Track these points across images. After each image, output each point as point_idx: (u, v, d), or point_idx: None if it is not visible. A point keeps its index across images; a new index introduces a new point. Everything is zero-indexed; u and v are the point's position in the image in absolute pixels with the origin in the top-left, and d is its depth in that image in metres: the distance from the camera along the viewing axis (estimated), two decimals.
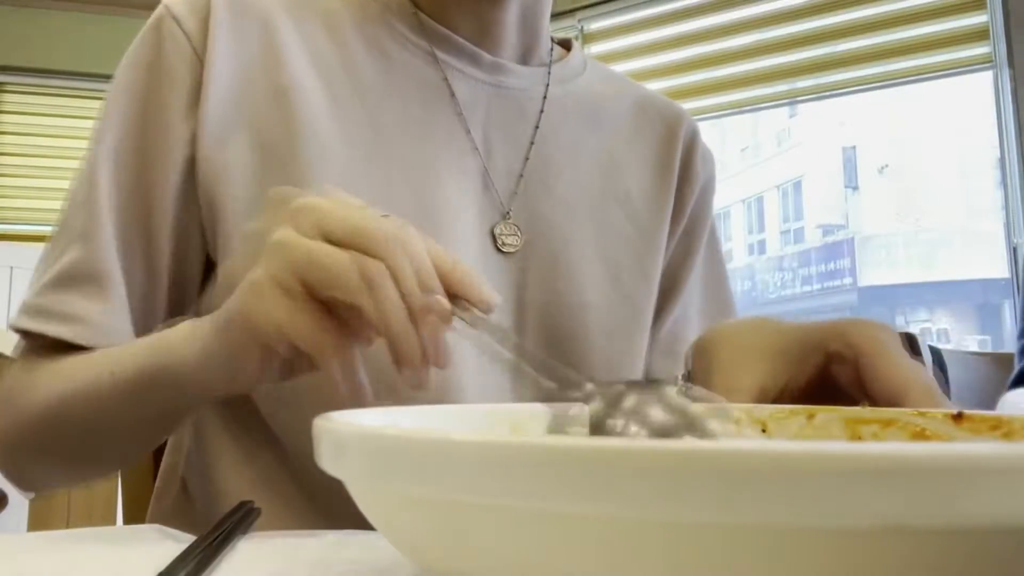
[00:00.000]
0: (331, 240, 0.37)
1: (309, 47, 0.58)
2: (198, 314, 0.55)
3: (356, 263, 0.36)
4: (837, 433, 0.37)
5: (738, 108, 2.74)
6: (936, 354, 1.32)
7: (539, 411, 0.36)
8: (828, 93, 2.62)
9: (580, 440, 0.19)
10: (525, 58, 0.66)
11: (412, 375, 0.37)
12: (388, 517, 0.24)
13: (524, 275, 0.61)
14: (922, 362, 1.22)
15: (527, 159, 0.64)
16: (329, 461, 0.24)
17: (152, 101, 0.55)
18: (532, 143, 0.64)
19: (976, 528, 0.16)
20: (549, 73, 0.68)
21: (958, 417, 0.35)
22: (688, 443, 0.17)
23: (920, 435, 0.35)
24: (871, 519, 0.16)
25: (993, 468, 0.16)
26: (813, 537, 0.17)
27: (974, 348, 2.55)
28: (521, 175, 0.63)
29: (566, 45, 0.74)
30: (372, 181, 0.57)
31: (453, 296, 0.37)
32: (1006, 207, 2.37)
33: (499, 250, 0.61)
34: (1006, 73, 2.33)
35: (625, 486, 0.17)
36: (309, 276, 0.37)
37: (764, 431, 0.39)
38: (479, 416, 0.38)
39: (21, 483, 0.57)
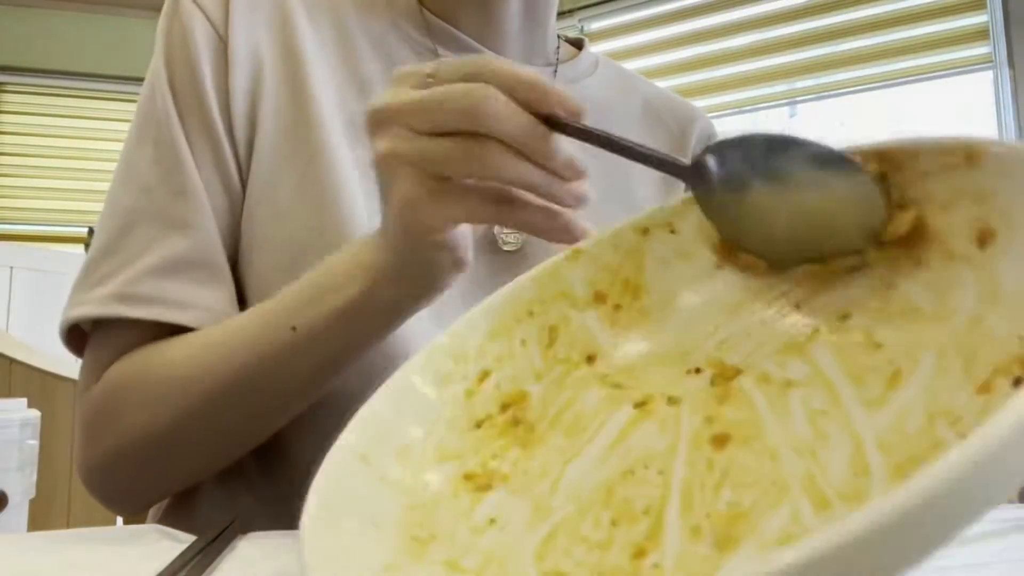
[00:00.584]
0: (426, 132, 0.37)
1: (318, 38, 0.59)
2: (237, 284, 0.55)
3: (457, 148, 0.36)
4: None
5: (738, 108, 2.74)
6: None
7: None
8: (828, 93, 2.62)
9: None
10: (530, 57, 0.66)
11: (561, 196, 0.39)
12: None
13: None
14: None
15: None
16: None
17: (189, 84, 0.55)
18: None
19: None
20: (555, 73, 0.67)
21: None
22: None
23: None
24: None
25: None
26: None
27: None
28: None
29: (578, 44, 0.73)
30: (372, 177, 0.57)
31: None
32: None
33: (499, 248, 0.60)
34: (1006, 73, 2.33)
35: None
36: (434, 170, 0.37)
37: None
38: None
39: (120, 501, 0.55)
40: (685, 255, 0.38)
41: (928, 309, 0.29)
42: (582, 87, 0.69)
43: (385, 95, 0.39)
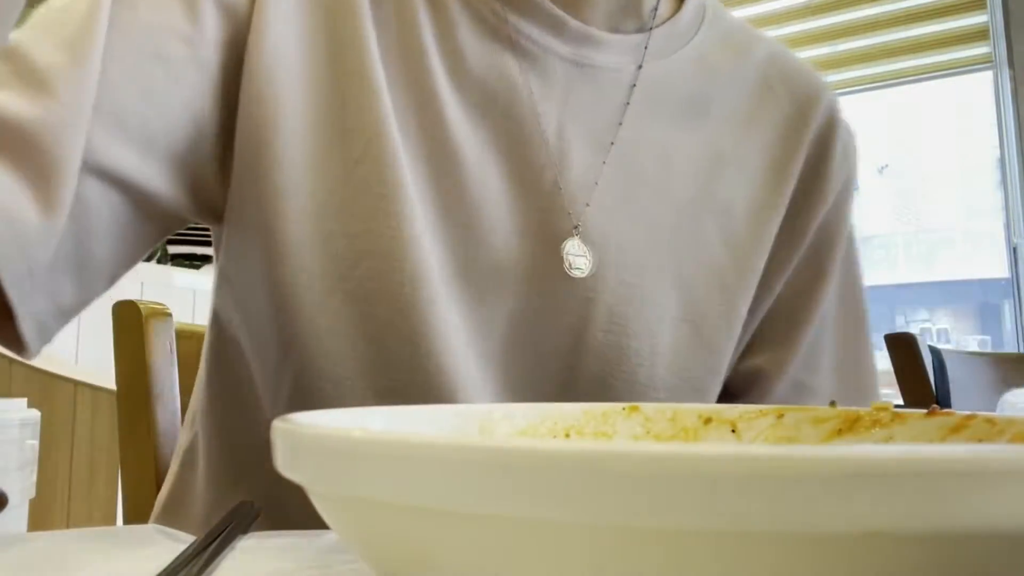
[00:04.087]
0: None
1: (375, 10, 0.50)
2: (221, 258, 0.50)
3: None
4: (808, 432, 0.37)
5: None
6: (936, 354, 1.32)
7: (513, 411, 0.37)
8: None
9: (551, 442, 0.18)
10: (620, 22, 0.54)
11: None
12: (347, 523, 0.23)
13: (590, 307, 0.51)
14: (921, 363, 1.22)
15: (604, 163, 0.52)
16: (285, 464, 0.23)
17: None
18: (613, 143, 0.53)
19: (959, 533, 0.16)
20: (647, 45, 0.55)
21: (929, 413, 0.35)
22: (666, 447, 0.16)
23: (889, 436, 0.35)
24: (851, 524, 0.15)
25: (978, 471, 0.15)
26: (792, 543, 0.16)
27: (974, 348, 2.55)
28: (596, 183, 0.52)
29: None
30: (419, 177, 0.49)
31: None
32: (1006, 207, 2.37)
33: (567, 275, 0.50)
34: (1006, 73, 2.33)
35: (600, 491, 0.16)
36: None
37: (734, 431, 0.39)
38: (448, 417, 0.38)
39: None
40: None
41: None
42: (678, 59, 0.56)
43: None
